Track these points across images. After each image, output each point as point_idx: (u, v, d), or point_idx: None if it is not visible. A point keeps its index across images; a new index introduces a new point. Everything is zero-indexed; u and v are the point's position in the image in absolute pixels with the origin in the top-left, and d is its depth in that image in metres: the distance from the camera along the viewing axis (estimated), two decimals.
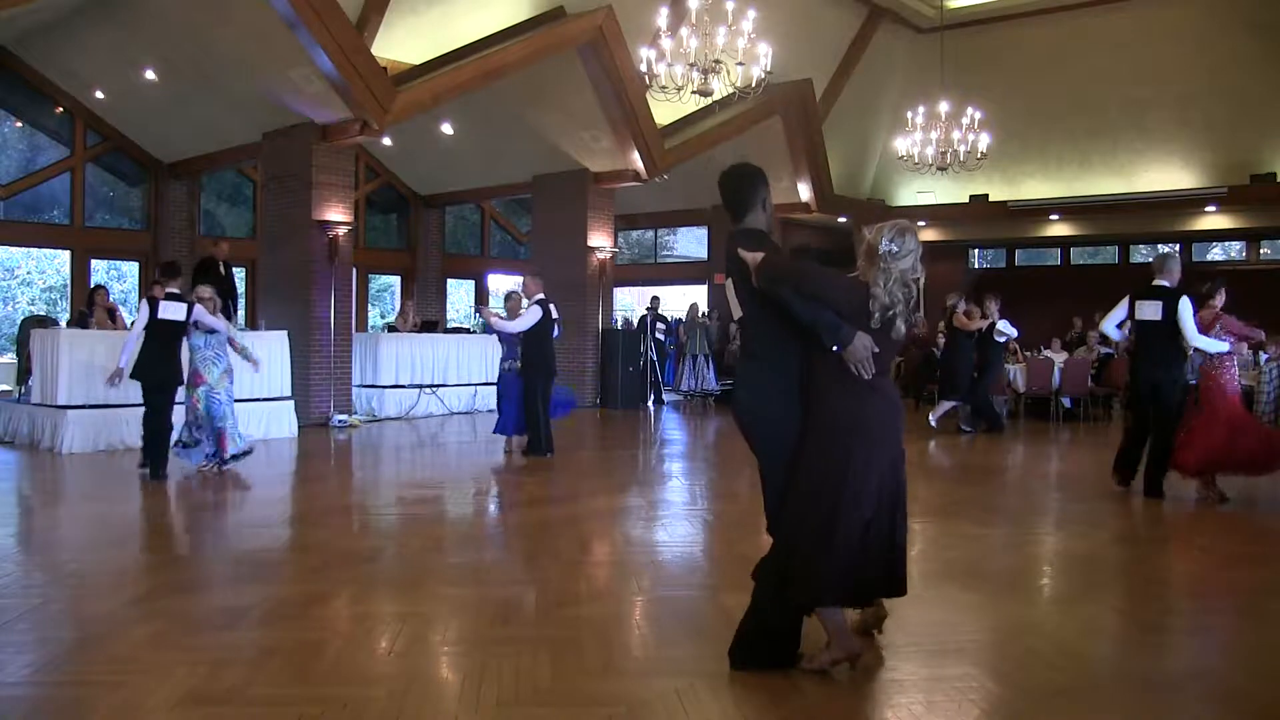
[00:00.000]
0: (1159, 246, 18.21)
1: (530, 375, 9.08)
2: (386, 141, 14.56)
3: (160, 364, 7.69)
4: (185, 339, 7.86)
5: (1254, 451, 6.82)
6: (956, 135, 12.93)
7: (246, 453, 8.10)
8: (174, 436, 7.96)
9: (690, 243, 20.21)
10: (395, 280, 18.98)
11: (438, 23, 12.30)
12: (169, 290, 7.75)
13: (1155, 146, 16.23)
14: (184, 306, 7.76)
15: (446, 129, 14.73)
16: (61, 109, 13.99)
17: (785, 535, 3.43)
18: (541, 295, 9.12)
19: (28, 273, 18.09)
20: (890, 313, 3.33)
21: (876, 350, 3.32)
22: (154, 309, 7.61)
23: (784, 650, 3.51)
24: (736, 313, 3.61)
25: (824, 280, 3.36)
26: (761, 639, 3.49)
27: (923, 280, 3.47)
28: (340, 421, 11.79)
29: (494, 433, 9.49)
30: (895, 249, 3.32)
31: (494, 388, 14.13)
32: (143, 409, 7.83)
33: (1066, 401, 13.45)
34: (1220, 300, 7.14)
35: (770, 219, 3.69)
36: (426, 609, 4.31)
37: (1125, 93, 15.88)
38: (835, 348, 3.31)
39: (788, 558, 3.38)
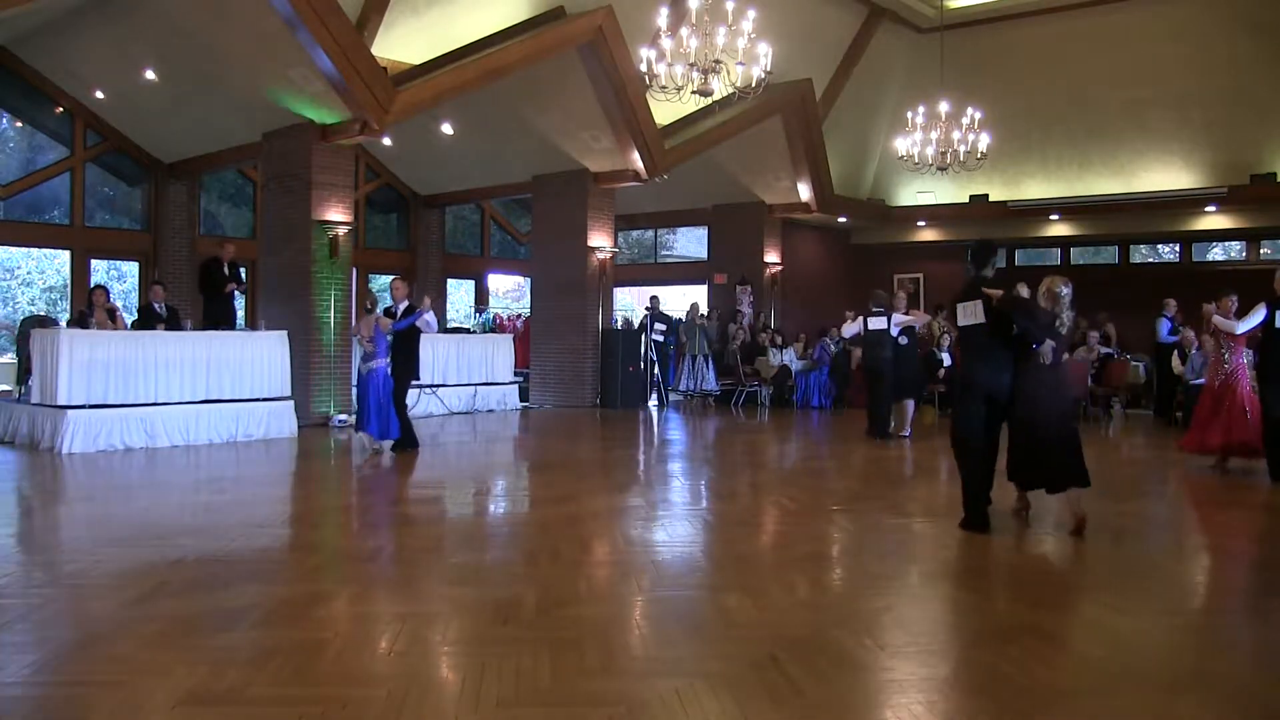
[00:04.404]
0: (1159, 246, 18.24)
1: (402, 375, 9.44)
2: (386, 141, 14.55)
3: None
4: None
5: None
6: (956, 135, 12.90)
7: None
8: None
9: (690, 243, 20.20)
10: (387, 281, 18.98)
11: (438, 23, 12.30)
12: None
13: (1155, 146, 16.22)
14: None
15: (446, 129, 14.72)
16: (61, 109, 13.98)
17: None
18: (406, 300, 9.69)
19: (28, 273, 18.09)
20: (1063, 325, 5.97)
21: (1055, 346, 5.92)
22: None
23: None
24: (971, 321, 6.07)
25: (1037, 310, 5.94)
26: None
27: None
28: (340, 421, 11.80)
29: (364, 431, 9.34)
30: (1067, 291, 5.94)
31: (494, 388, 14.32)
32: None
33: None
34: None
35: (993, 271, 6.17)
36: (426, 609, 4.31)
37: (1125, 93, 15.87)
38: (1035, 346, 5.88)
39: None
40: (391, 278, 10.55)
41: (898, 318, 10.97)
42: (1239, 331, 8.17)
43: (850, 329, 11.49)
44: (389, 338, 9.22)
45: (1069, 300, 5.95)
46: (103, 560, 5.08)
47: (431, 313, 9.68)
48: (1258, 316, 7.94)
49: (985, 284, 6.08)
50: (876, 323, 10.95)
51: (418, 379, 10.00)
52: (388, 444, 9.40)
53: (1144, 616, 4.30)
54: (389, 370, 9.23)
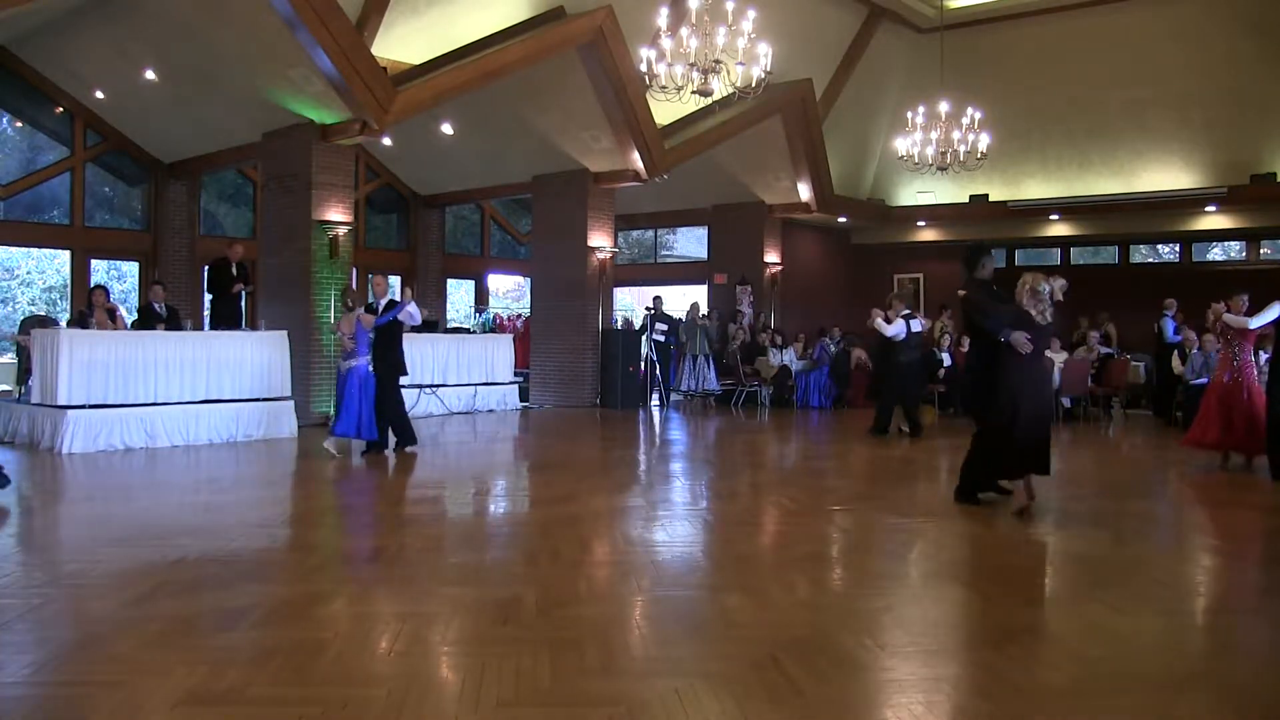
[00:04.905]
0: (1159, 246, 18.24)
1: (385, 373, 9.42)
2: (386, 141, 14.55)
3: None
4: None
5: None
6: (956, 135, 12.89)
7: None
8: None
9: (690, 243, 20.20)
10: (395, 280, 18.96)
11: (438, 23, 12.30)
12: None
13: (1155, 146, 16.21)
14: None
15: (446, 129, 14.72)
16: (61, 109, 13.97)
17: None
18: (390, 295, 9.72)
19: (28, 273, 18.11)
20: (1042, 316, 6.33)
21: (1030, 337, 6.22)
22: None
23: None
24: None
25: (995, 308, 6.48)
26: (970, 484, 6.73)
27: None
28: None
29: (338, 434, 9.22)
30: (1046, 288, 6.33)
31: (494, 388, 14.31)
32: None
33: (1065, 401, 13.45)
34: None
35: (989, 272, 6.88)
36: (426, 609, 4.31)
37: (1125, 93, 15.87)
38: (1003, 339, 6.28)
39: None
40: (372, 275, 10.56)
41: (919, 321, 11.53)
42: (1252, 326, 8.21)
43: (891, 329, 11.36)
44: (370, 335, 9.20)
45: (1050, 296, 6.36)
46: (103, 560, 5.08)
47: (414, 304, 9.62)
48: (1272, 313, 7.98)
49: (975, 286, 6.73)
50: (917, 324, 11.40)
51: (406, 374, 9.92)
52: (360, 444, 9.41)
53: (1144, 616, 4.30)
54: (369, 368, 9.21)
